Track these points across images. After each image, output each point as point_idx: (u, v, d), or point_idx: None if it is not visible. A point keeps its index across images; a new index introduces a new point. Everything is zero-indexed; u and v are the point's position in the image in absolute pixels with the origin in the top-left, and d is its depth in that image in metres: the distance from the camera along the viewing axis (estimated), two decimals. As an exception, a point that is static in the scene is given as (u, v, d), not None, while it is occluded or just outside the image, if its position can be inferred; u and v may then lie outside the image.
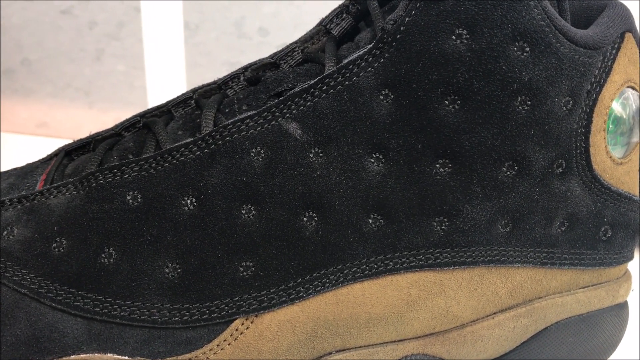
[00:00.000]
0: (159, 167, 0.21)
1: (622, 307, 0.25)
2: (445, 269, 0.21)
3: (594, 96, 0.21)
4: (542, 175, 0.21)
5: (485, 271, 0.22)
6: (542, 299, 0.24)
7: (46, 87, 0.52)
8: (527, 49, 0.19)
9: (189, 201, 0.20)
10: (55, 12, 0.50)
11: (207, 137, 0.21)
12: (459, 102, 0.20)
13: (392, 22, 0.20)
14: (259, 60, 0.26)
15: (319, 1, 0.46)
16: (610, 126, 0.22)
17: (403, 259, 0.21)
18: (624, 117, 0.23)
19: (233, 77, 0.25)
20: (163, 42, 0.49)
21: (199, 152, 0.21)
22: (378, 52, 0.20)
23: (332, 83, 0.21)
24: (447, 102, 0.20)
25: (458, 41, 0.19)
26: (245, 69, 0.26)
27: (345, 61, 0.21)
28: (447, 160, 0.20)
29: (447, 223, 0.21)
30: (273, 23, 0.48)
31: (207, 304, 0.20)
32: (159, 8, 0.48)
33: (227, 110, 0.23)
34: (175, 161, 0.21)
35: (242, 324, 0.21)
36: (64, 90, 0.52)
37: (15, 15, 0.50)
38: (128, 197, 0.20)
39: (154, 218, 0.20)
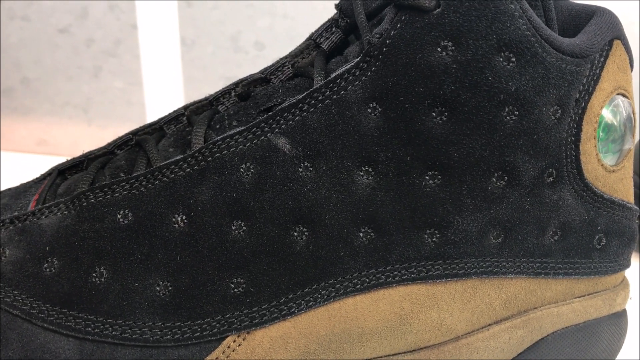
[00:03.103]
0: (150, 185, 0.21)
1: (620, 315, 0.25)
2: (437, 281, 0.21)
3: (583, 104, 0.21)
4: (533, 185, 0.21)
5: (478, 283, 0.22)
6: (537, 309, 0.23)
7: (45, 105, 0.52)
8: (513, 59, 0.19)
9: (179, 219, 0.20)
10: (53, 30, 0.50)
11: (196, 154, 0.21)
12: (446, 113, 0.20)
13: (378, 35, 0.20)
14: (249, 75, 0.26)
15: (313, 14, 0.46)
16: (601, 134, 0.22)
17: (395, 272, 0.21)
18: (615, 124, 0.23)
19: (224, 92, 0.25)
20: (160, 58, 0.49)
21: (188, 169, 0.21)
22: (365, 66, 0.20)
23: (320, 97, 0.21)
24: (434, 114, 0.20)
25: (444, 53, 0.19)
26: (237, 84, 0.26)
27: (333, 75, 0.21)
28: (436, 172, 0.20)
29: (438, 235, 0.21)
30: (269, 37, 0.48)
31: (199, 321, 0.20)
32: (155, 24, 0.48)
33: (217, 127, 0.23)
34: (165, 179, 0.21)
35: (234, 341, 0.21)
36: (62, 107, 0.52)
37: (14, 34, 0.50)
38: (119, 216, 0.20)
39: (145, 236, 0.20)
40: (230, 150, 0.21)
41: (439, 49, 0.19)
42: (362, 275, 0.21)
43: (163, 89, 0.50)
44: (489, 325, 0.23)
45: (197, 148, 0.21)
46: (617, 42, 0.22)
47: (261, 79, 0.25)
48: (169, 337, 0.20)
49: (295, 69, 0.25)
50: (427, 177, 0.20)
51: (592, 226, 0.23)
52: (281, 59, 0.26)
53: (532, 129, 0.20)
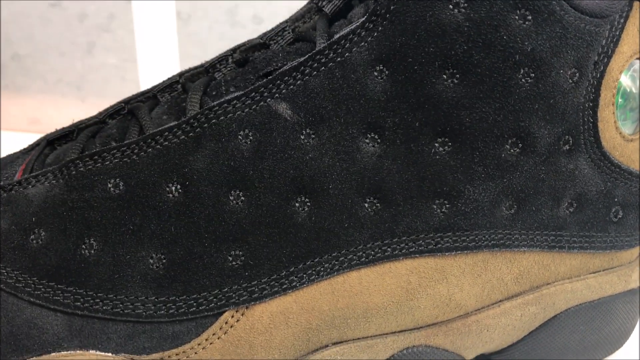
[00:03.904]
0: (142, 153, 0.20)
1: (635, 292, 0.24)
2: (446, 254, 0.20)
3: (602, 68, 0.20)
4: (548, 152, 0.20)
5: (489, 256, 0.21)
6: (550, 285, 0.22)
7: (37, 82, 0.51)
8: (530, 17, 0.18)
9: (173, 188, 0.19)
10: (44, 4, 0.48)
11: (192, 120, 0.19)
12: (457, 75, 0.19)
13: None
14: (248, 41, 0.24)
15: (313, -14, 0.44)
16: (620, 100, 0.21)
17: (402, 245, 0.20)
18: (634, 90, 0.21)
19: (221, 59, 0.24)
20: (155, 33, 0.48)
21: (183, 136, 0.19)
22: (371, 26, 0.19)
23: (323, 60, 0.19)
24: (445, 77, 0.19)
25: (456, 10, 0.18)
26: (234, 50, 0.24)
27: (337, 36, 0.19)
28: (446, 139, 0.19)
29: (447, 205, 0.20)
30: (267, 10, 0.46)
31: (195, 296, 0.19)
32: (149, -2, 0.47)
33: (214, 93, 0.22)
34: (158, 146, 0.19)
35: (232, 317, 0.20)
36: (55, 85, 0.51)
37: (4, 9, 0.49)
38: (109, 185, 0.19)
39: (137, 206, 0.19)
40: (228, 116, 0.19)
41: (450, 6, 0.18)
42: (367, 248, 0.20)
43: (158, 65, 0.49)
44: (500, 301, 0.22)
45: (192, 114, 0.20)
46: (637, 4, 0.21)
47: (260, 45, 0.24)
48: (162, 312, 0.19)
49: (296, 33, 0.23)
50: (436, 144, 0.19)
51: (609, 198, 0.22)
52: (281, 23, 0.24)
53: (548, 93, 0.19)
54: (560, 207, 0.21)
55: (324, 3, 0.24)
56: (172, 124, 0.20)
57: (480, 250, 0.20)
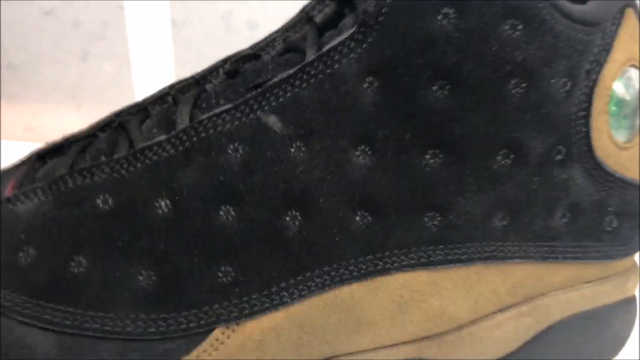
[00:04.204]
0: (131, 168, 0.19)
1: (630, 301, 0.24)
2: (439, 267, 0.20)
3: (594, 76, 0.20)
4: (541, 163, 0.20)
5: (482, 269, 0.21)
6: (544, 296, 0.22)
7: (32, 90, 0.51)
8: (520, 27, 0.18)
9: (163, 203, 0.19)
10: (39, 13, 0.48)
11: (181, 134, 0.19)
12: (448, 87, 0.18)
13: (373, 3, 0.19)
14: (239, 51, 0.24)
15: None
16: (613, 108, 0.21)
17: (393, 259, 0.20)
18: (627, 98, 0.21)
19: (212, 70, 0.24)
20: (150, 40, 0.48)
21: (172, 151, 0.19)
22: (360, 37, 0.19)
23: (312, 72, 0.19)
24: (435, 88, 0.18)
25: (445, 21, 0.18)
26: (225, 61, 0.24)
27: (326, 48, 0.19)
28: (437, 151, 0.19)
29: (439, 218, 0.20)
30: (262, 16, 0.46)
31: (185, 313, 0.19)
32: (144, 5, 0.46)
33: (204, 106, 0.22)
34: (148, 161, 0.19)
35: (223, 333, 0.19)
36: (50, 93, 0.51)
37: (-2, 17, 0.49)
38: (98, 201, 0.19)
39: (126, 222, 0.19)
40: (217, 129, 0.19)
41: (439, 17, 0.18)
42: (358, 262, 0.20)
43: (153, 71, 0.49)
44: (494, 313, 0.22)
45: (182, 128, 0.19)
46: (629, 10, 0.21)
47: (251, 55, 0.23)
48: (153, 329, 0.19)
49: (287, 43, 0.23)
50: (427, 156, 0.19)
51: (603, 207, 0.22)
52: (272, 33, 0.24)
53: (540, 103, 0.19)
54: (554, 218, 0.21)
55: (315, 12, 0.23)
56: (161, 137, 0.20)
57: (473, 263, 0.20)
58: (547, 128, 0.19)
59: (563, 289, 0.23)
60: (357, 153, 0.19)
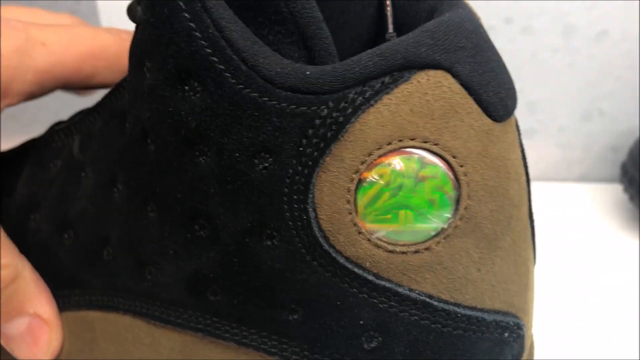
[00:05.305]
0: None
1: None
2: (156, 322, 0.19)
3: (317, 155, 0.16)
4: (238, 243, 0.17)
5: (197, 339, 0.19)
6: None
7: (10, 124, 0.45)
8: (199, 89, 0.16)
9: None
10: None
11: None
12: (152, 147, 0.18)
13: None
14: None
15: None
16: (364, 200, 0.16)
17: (119, 299, 0.20)
18: (386, 187, 0.16)
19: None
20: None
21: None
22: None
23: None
24: (148, 142, 0.18)
25: (141, 75, 0.17)
26: None
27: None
28: (155, 206, 0.18)
29: (153, 272, 0.19)
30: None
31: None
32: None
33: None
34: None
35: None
36: (30, 125, 0.43)
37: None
38: None
39: None
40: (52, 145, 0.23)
41: (145, 69, 0.17)
42: (101, 293, 0.21)
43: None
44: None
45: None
46: (421, 75, 0.16)
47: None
48: None
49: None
50: (148, 209, 0.19)
51: (353, 319, 0.17)
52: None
53: (224, 177, 0.16)
54: (283, 313, 0.17)
55: None
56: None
57: (184, 330, 0.19)
58: (239, 206, 0.16)
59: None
60: (114, 191, 0.20)
